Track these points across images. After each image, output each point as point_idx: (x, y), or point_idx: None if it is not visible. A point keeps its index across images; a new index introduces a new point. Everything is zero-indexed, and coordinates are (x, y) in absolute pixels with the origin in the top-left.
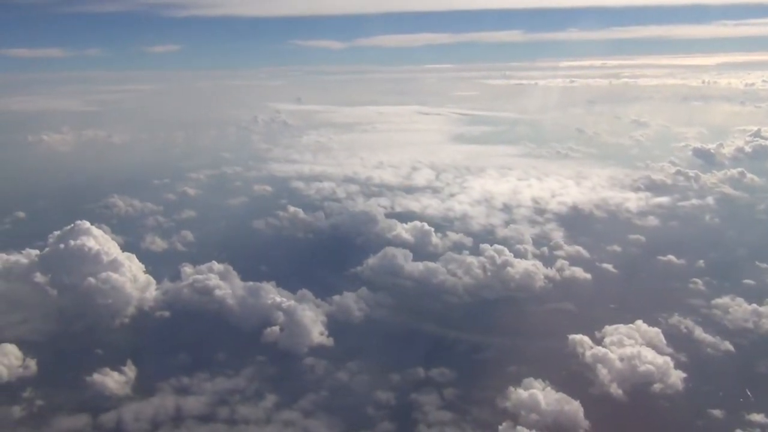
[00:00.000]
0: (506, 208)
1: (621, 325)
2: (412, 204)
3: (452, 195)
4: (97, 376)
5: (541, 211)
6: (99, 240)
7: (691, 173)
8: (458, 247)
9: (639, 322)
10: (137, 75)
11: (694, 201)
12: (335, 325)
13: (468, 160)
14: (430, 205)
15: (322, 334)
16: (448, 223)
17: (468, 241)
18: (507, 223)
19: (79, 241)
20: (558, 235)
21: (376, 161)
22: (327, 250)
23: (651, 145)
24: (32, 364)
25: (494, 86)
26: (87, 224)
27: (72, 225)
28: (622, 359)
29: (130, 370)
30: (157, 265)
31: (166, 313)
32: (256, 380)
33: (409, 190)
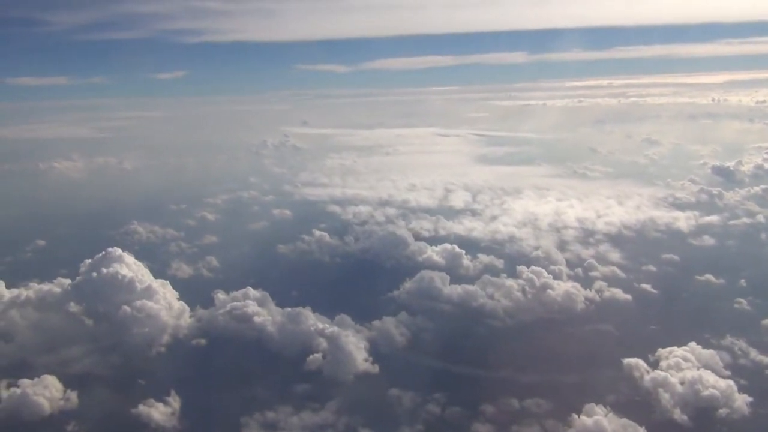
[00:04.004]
0: (553, 230)
1: (675, 348)
2: (456, 227)
3: (494, 217)
4: (142, 408)
5: (590, 232)
6: (132, 267)
7: (714, 191)
8: (489, 270)
9: (693, 344)
10: (144, 102)
11: (742, 220)
12: (378, 351)
13: (500, 181)
14: (475, 227)
15: (366, 360)
16: (497, 245)
17: (499, 263)
18: (557, 245)
19: (111, 269)
20: (615, 256)
21: (407, 183)
22: (358, 274)
23: (667, 163)
24: (73, 396)
25: (502, 107)
26: (119, 251)
27: (103, 252)
28: (682, 383)
29: (175, 401)
30: (186, 291)
31: (203, 341)
32: (343, 413)
33: (449, 212)
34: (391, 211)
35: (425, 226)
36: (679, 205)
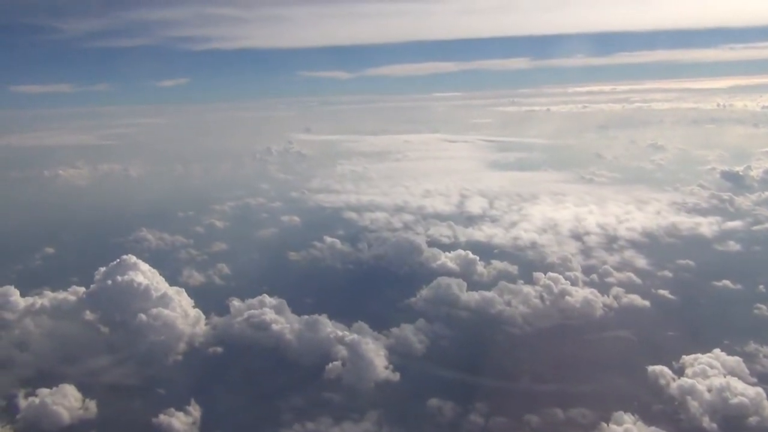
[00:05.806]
0: (574, 236)
1: (700, 355)
2: (477, 233)
3: (514, 223)
4: (163, 417)
5: (612, 238)
6: (147, 275)
7: (725, 196)
8: (504, 276)
9: (717, 350)
10: (148, 109)
11: (765, 226)
12: (397, 358)
13: (515, 187)
14: (495, 234)
15: (386, 368)
16: (519, 251)
17: (513, 269)
18: (581, 252)
19: (127, 277)
20: (642, 262)
21: (422, 190)
22: (372, 281)
23: (674, 168)
24: (92, 405)
25: (507, 113)
26: (133, 258)
27: (118, 260)
28: (710, 390)
29: (195, 410)
30: (199, 299)
31: (219, 349)
32: (384, 425)
33: (467, 218)
34: (407, 217)
35: (444, 232)
36: (699, 210)
